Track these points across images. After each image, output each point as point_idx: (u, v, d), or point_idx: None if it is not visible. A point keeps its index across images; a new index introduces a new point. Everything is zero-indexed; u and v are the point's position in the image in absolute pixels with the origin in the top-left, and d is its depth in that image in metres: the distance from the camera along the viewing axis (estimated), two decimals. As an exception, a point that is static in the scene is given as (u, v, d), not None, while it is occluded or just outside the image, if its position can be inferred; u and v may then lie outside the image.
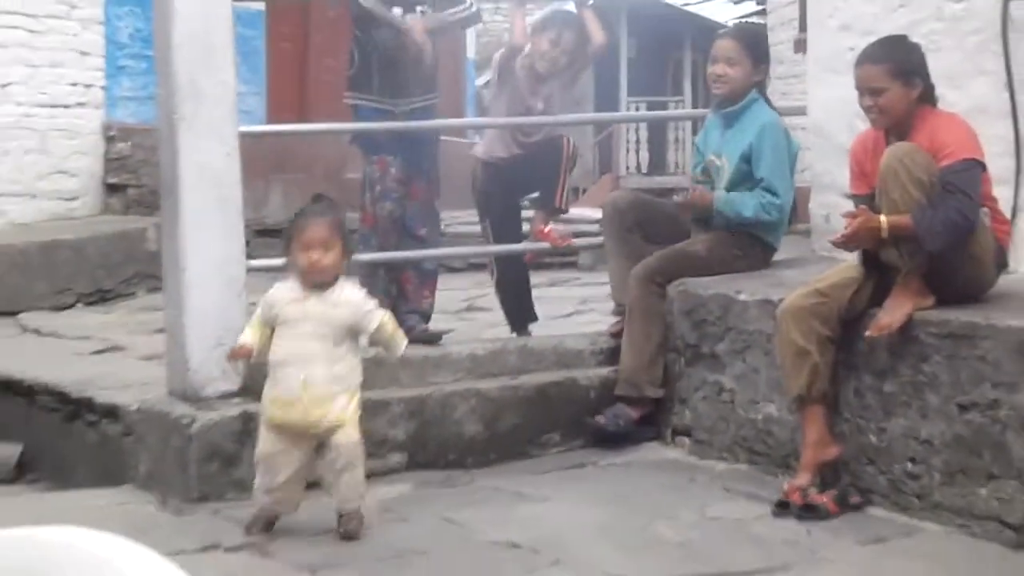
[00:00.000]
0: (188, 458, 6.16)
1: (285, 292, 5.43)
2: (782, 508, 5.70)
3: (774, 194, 6.92)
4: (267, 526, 5.38)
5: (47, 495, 6.80)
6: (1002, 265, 5.99)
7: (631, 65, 26.86)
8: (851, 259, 6.04)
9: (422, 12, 7.42)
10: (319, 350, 5.31)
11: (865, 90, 5.92)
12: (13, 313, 9.61)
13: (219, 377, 6.45)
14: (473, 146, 8.72)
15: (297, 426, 5.26)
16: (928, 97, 5.95)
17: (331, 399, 5.32)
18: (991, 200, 5.96)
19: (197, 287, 6.46)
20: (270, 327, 5.39)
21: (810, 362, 5.78)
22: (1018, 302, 5.78)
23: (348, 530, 5.32)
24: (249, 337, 5.34)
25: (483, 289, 9.75)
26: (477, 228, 10.23)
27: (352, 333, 5.48)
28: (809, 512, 5.61)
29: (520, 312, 8.05)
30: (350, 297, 5.48)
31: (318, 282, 5.35)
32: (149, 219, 9.99)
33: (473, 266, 10.70)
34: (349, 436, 5.34)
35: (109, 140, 11.80)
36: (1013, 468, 5.25)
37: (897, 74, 5.89)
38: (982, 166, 5.79)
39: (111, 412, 6.78)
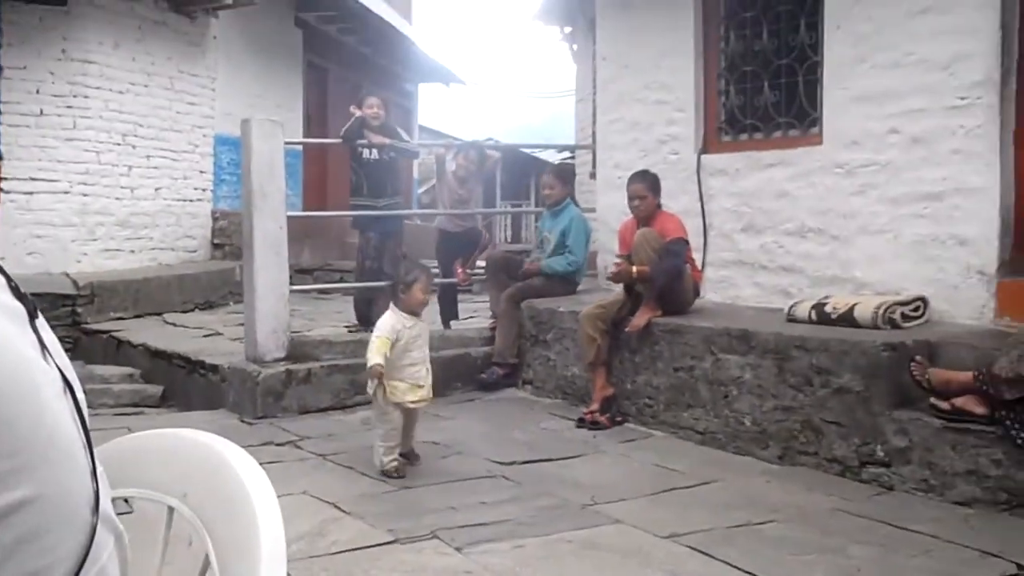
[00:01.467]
0: (256, 394, 6.11)
1: (401, 321, 4.79)
2: (580, 423, 5.76)
3: (573, 255, 7.02)
4: (404, 468, 4.82)
5: (177, 414, 6.69)
6: (697, 294, 6.13)
7: (503, 183, 27.13)
8: (618, 290, 6.14)
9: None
10: (426, 354, 4.94)
11: (634, 197, 5.99)
12: (160, 313, 9.50)
13: (274, 350, 6.42)
14: (435, 223, 8.76)
15: (420, 403, 4.88)
16: (659, 204, 6.08)
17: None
18: (692, 260, 6.08)
19: (262, 300, 6.42)
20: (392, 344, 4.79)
21: (596, 344, 5.86)
22: (705, 314, 5.91)
23: (416, 457, 5.01)
24: (381, 359, 4.67)
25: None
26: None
27: None
28: (595, 426, 5.69)
29: (449, 313, 8.05)
30: (424, 317, 5.10)
31: (420, 311, 4.93)
32: (236, 262, 9.87)
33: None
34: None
35: (215, 219, 11.68)
36: (700, 401, 5.37)
37: (649, 189, 6.01)
38: (687, 242, 5.92)
39: (214, 368, 6.71)
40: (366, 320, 7.59)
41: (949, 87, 5.24)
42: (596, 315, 5.93)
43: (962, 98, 5.19)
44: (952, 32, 5.21)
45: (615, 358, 5.95)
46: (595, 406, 5.84)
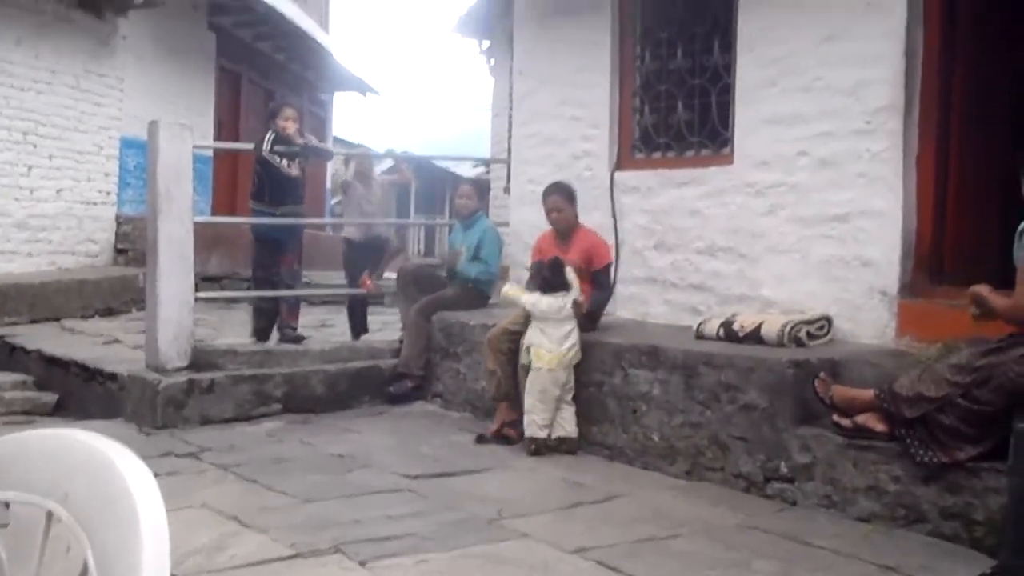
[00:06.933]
0: (156, 404, 5.94)
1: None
2: (481, 439, 5.66)
3: (488, 264, 7.01)
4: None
5: (72, 423, 6.45)
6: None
7: (416, 195, 27.07)
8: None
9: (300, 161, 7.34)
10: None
11: (552, 209, 5.95)
12: (58, 319, 9.23)
13: (176, 358, 6.28)
14: (344, 232, 8.65)
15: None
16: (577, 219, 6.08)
17: None
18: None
19: (165, 307, 6.26)
20: None
21: (496, 377, 5.76)
22: (615, 330, 5.93)
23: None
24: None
25: (330, 315, 9.59)
26: (328, 279, 10.10)
27: None
28: (504, 440, 5.63)
29: (359, 326, 7.97)
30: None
31: None
32: (140, 269, 9.61)
33: (324, 302, 10.48)
34: None
35: (119, 224, 11.43)
36: (609, 416, 5.37)
37: (567, 200, 6.01)
38: (612, 265, 5.92)
39: (112, 376, 6.52)
40: (262, 334, 7.39)
41: (855, 112, 5.38)
42: (499, 341, 5.77)
43: (868, 123, 5.32)
44: (859, 59, 5.35)
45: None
46: (495, 426, 5.72)
